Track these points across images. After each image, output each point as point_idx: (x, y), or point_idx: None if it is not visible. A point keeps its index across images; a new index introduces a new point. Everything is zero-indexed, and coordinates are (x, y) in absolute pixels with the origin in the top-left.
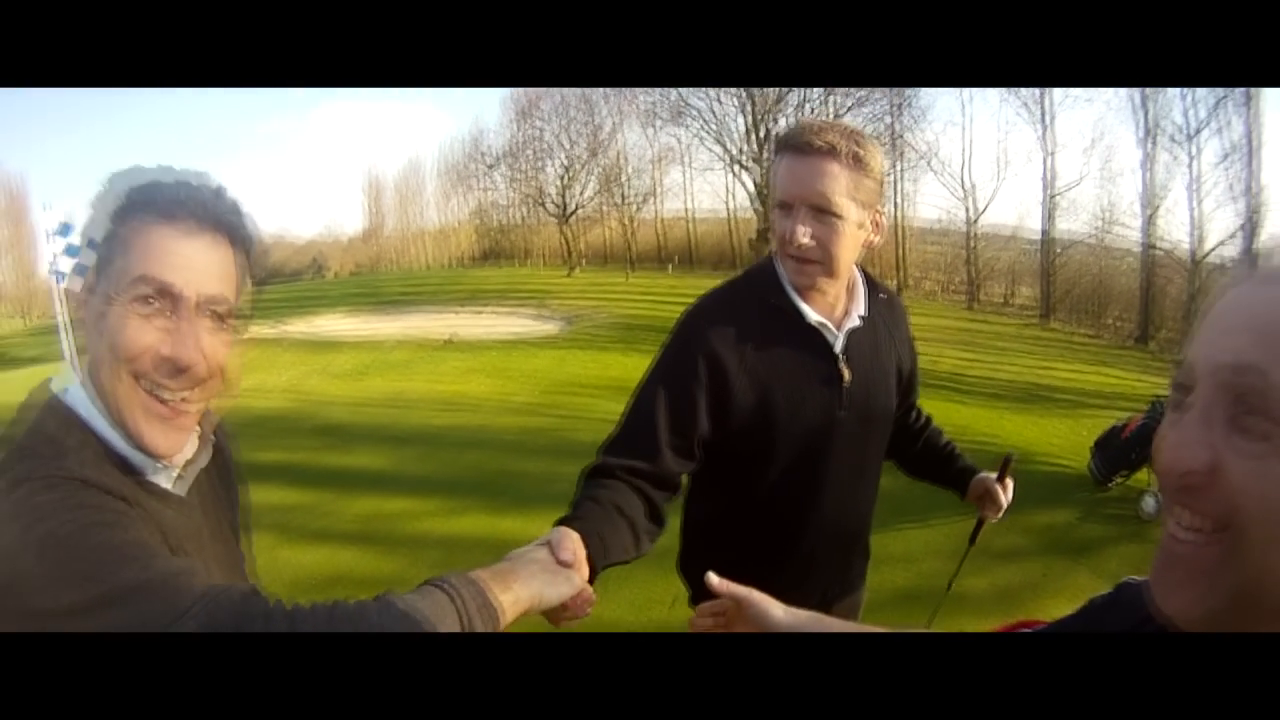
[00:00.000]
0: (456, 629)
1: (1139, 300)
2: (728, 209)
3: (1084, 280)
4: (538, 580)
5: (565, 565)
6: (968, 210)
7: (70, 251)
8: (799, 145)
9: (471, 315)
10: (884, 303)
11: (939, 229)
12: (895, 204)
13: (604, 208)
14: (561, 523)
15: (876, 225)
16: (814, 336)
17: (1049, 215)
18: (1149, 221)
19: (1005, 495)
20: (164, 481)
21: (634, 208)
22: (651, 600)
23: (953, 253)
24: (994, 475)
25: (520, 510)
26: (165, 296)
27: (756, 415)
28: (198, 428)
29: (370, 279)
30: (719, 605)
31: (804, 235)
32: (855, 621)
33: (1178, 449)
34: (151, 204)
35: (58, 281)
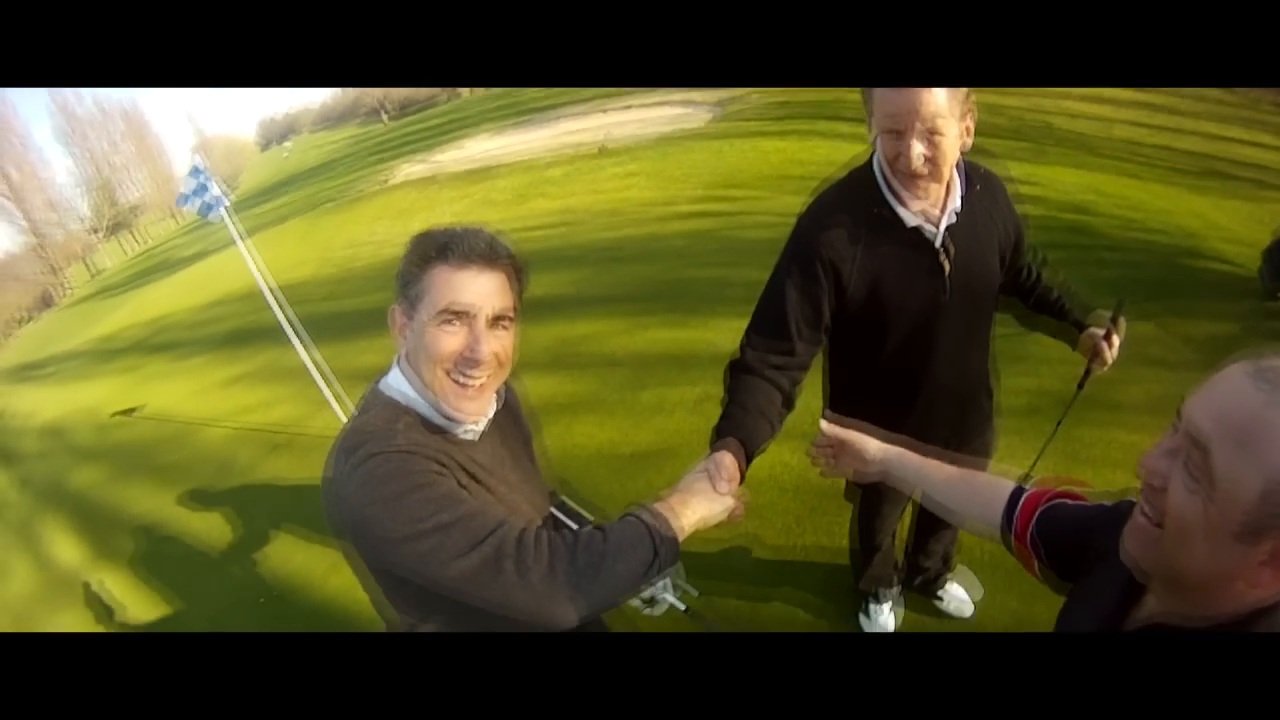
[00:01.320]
0: (650, 552)
1: None
2: None
3: None
4: (704, 505)
5: (724, 494)
6: None
7: (199, 191)
8: None
9: (619, 114)
10: (979, 191)
11: None
12: None
13: None
14: (717, 437)
15: (969, 130)
16: (915, 235)
17: None
18: None
19: (1111, 351)
20: (467, 435)
21: None
22: None
23: None
24: (1101, 332)
25: (699, 320)
26: (464, 317)
27: (869, 306)
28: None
29: (508, 88)
30: (832, 438)
31: (919, 159)
32: (986, 460)
33: (1154, 460)
34: (448, 255)
35: (185, 205)
